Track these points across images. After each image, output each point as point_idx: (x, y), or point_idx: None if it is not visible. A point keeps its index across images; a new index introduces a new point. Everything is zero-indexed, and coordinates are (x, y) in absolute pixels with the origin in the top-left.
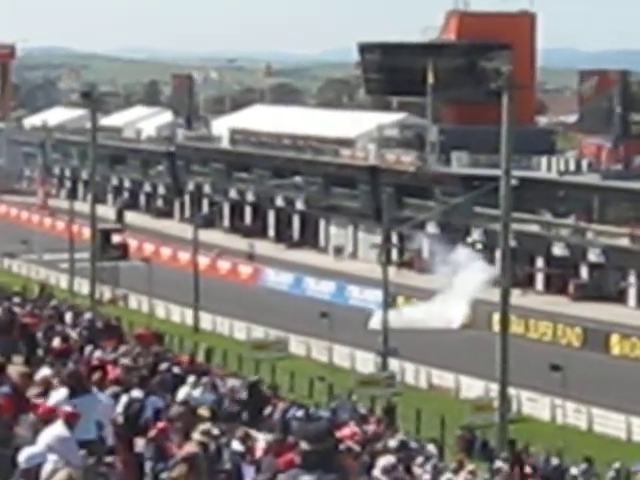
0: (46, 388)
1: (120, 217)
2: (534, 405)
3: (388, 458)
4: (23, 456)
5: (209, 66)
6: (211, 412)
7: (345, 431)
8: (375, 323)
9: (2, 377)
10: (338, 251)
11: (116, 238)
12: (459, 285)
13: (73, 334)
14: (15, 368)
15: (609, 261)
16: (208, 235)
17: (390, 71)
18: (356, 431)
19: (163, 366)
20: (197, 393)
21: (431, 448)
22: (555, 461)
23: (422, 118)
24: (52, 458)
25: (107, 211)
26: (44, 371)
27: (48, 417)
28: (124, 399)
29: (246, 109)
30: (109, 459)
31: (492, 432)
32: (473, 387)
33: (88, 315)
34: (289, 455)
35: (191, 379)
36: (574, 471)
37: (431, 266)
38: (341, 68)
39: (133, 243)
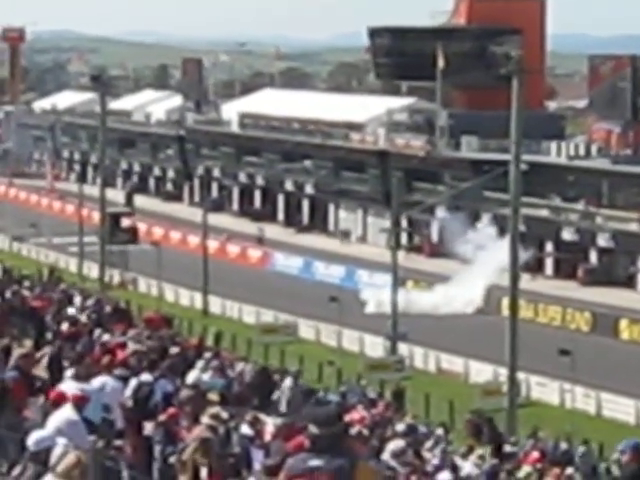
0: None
1: (129, 201)
2: (543, 390)
3: (397, 442)
4: (32, 439)
5: (219, 50)
6: (220, 396)
7: (354, 415)
8: (371, 307)
9: (9, 360)
10: (345, 235)
11: (125, 222)
12: (479, 266)
13: (82, 317)
14: (18, 350)
15: (618, 246)
16: (217, 219)
17: (400, 55)
18: (365, 415)
19: (173, 350)
20: (207, 377)
21: (440, 432)
22: (564, 445)
23: (432, 103)
24: (61, 441)
25: (116, 195)
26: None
27: (57, 401)
28: (133, 383)
29: (256, 93)
30: (118, 442)
31: (501, 417)
32: (482, 372)
33: (94, 299)
34: (298, 439)
35: (200, 363)
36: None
37: (449, 246)
38: (351, 52)
39: (142, 227)
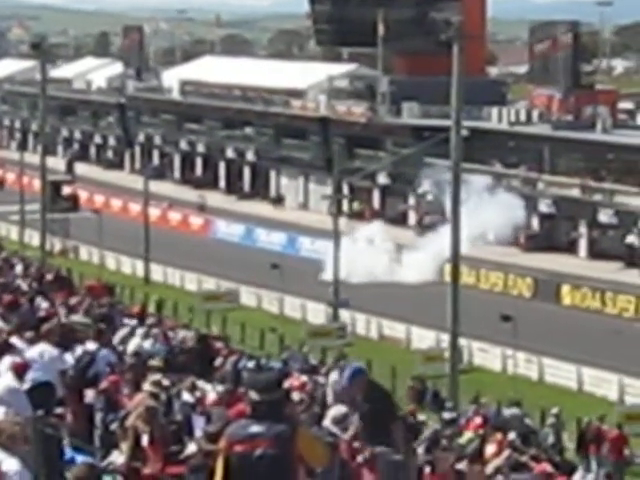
0: None
1: (70, 168)
2: (485, 356)
3: (339, 408)
4: None
5: (159, 17)
6: (163, 362)
7: (295, 382)
8: (328, 275)
9: None
10: (277, 201)
11: (66, 190)
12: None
13: (23, 285)
14: None
15: (560, 212)
16: (159, 186)
17: (341, 22)
18: (306, 382)
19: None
20: (147, 344)
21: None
22: (508, 411)
23: (373, 69)
24: (1, 409)
25: (57, 163)
26: None
27: None
28: (78, 351)
29: (196, 60)
30: (59, 410)
31: (443, 382)
32: (424, 338)
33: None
34: (240, 406)
35: (140, 330)
36: (528, 421)
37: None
38: (291, 19)
39: (83, 195)
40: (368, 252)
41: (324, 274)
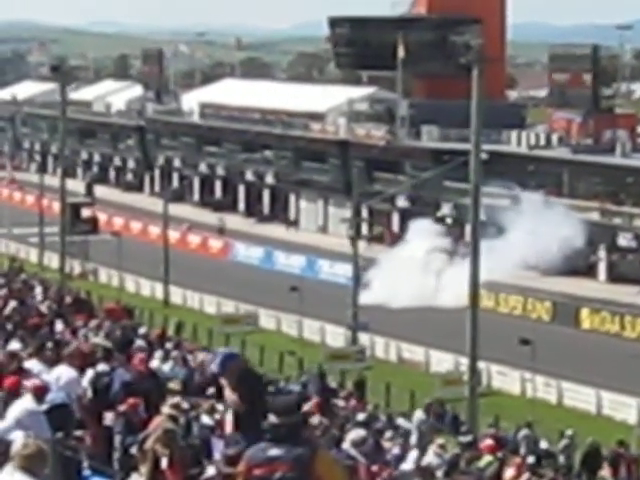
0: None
1: (90, 191)
2: (504, 379)
3: (358, 431)
4: None
5: (179, 40)
6: (182, 386)
7: (314, 405)
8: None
9: None
10: (291, 223)
11: (86, 212)
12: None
13: (43, 308)
14: None
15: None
16: (178, 209)
17: (360, 45)
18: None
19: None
20: (167, 367)
21: (402, 422)
22: (524, 431)
23: (392, 92)
24: (21, 432)
25: (77, 185)
26: (14, 345)
27: (15, 390)
28: (90, 373)
29: (216, 83)
30: (78, 433)
31: (462, 406)
32: (443, 361)
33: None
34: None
35: (159, 353)
36: (544, 445)
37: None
38: (311, 42)
39: (103, 217)
40: (411, 273)
41: (363, 296)
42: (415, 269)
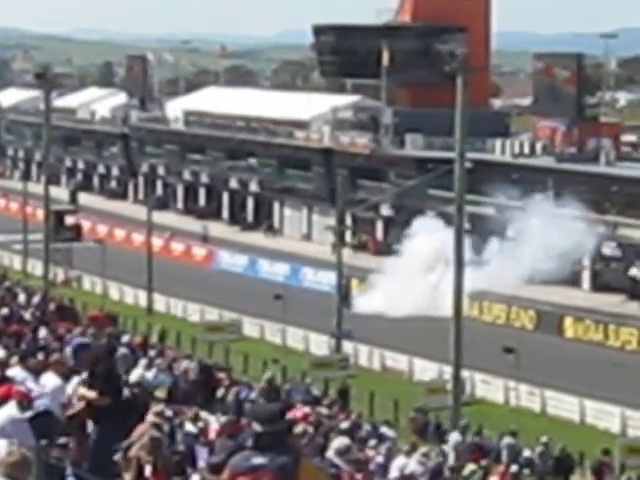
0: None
1: (74, 198)
2: (487, 388)
3: (342, 440)
4: None
5: (163, 47)
6: (167, 394)
7: (298, 413)
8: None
9: None
10: (271, 230)
11: (69, 219)
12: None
13: (26, 315)
14: None
15: None
16: (162, 217)
17: (345, 53)
18: (309, 413)
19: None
20: (150, 375)
21: (386, 430)
22: (507, 439)
23: (376, 100)
24: (5, 440)
25: (61, 192)
26: None
27: (6, 400)
28: (75, 380)
29: (200, 91)
30: (62, 440)
31: (446, 414)
32: (427, 370)
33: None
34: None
35: (143, 361)
36: (527, 453)
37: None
38: (296, 50)
39: (87, 224)
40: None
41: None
42: (417, 277)
